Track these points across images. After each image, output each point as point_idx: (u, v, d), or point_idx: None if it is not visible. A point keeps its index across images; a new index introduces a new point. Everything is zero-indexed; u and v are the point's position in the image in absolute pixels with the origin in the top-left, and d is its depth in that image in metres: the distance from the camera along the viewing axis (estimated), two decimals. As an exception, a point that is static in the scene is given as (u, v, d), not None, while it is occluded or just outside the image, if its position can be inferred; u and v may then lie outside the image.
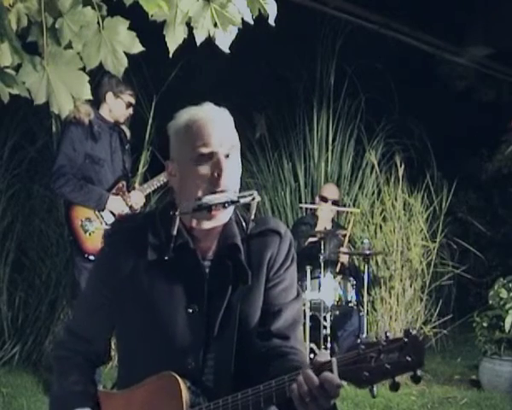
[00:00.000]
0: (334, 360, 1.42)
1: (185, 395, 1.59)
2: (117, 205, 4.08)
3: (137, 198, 4.22)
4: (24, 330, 5.21)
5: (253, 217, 1.68)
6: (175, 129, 1.70)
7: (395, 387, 1.40)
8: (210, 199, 1.61)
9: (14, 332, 5.20)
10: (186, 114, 1.69)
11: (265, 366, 1.62)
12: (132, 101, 4.23)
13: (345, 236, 5.32)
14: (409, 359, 1.37)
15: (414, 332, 1.39)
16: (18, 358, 5.09)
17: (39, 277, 5.37)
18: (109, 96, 4.14)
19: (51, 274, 5.32)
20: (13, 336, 5.17)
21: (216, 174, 1.62)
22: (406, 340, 1.38)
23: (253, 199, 1.64)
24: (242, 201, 1.64)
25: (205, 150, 1.63)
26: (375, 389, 1.41)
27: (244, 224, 1.73)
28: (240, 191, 1.70)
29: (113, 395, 1.77)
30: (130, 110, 4.25)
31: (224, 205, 1.62)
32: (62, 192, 4.04)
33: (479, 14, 6.76)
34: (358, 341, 1.42)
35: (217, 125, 1.65)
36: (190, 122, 1.66)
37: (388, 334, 1.42)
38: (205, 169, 1.63)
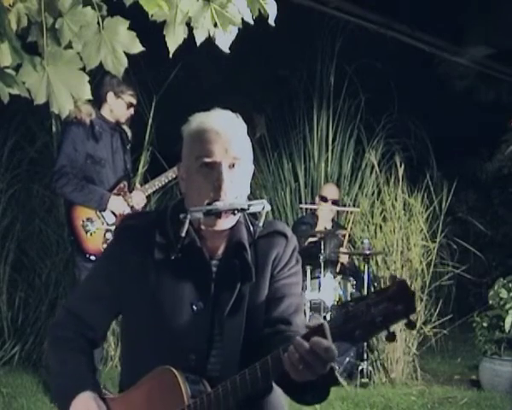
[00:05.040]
0: (325, 324, 1.42)
1: (184, 386, 1.61)
2: (118, 205, 4.08)
3: (139, 199, 4.22)
4: (24, 330, 5.21)
5: (261, 224, 1.72)
6: (185, 135, 1.75)
7: (391, 338, 1.37)
8: (220, 205, 1.64)
9: (14, 332, 5.20)
10: (195, 122, 1.73)
11: (270, 351, 1.63)
12: (133, 101, 4.22)
13: (344, 236, 5.32)
14: (399, 307, 1.35)
15: (401, 279, 1.38)
16: (18, 358, 5.09)
17: (39, 277, 5.37)
18: (110, 95, 4.14)
19: (51, 274, 5.32)
20: (13, 336, 5.17)
21: (217, 184, 1.65)
22: (394, 288, 1.36)
23: (263, 208, 1.67)
24: (252, 209, 1.67)
25: (208, 160, 1.67)
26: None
27: (252, 229, 1.76)
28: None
29: (111, 399, 1.77)
30: (132, 110, 4.25)
31: (233, 212, 1.65)
32: (63, 192, 4.03)
33: (479, 14, 6.76)
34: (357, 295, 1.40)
35: (222, 136, 1.68)
36: (197, 131, 1.70)
37: (376, 285, 1.40)
38: (207, 178, 1.67)
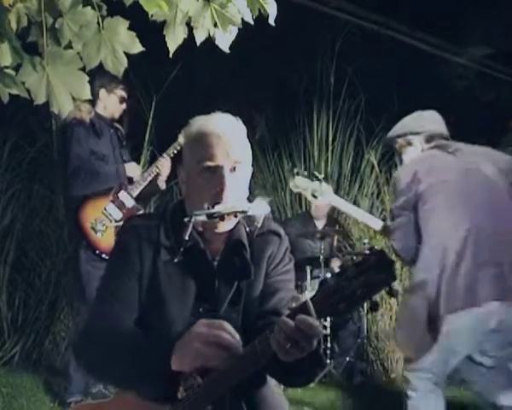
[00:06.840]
0: (308, 301, 1.43)
1: None
2: (135, 170, 4.18)
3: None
4: (24, 330, 5.20)
5: (259, 225, 1.75)
6: (186, 138, 1.76)
7: (374, 307, 1.40)
8: (223, 208, 1.66)
9: (14, 332, 5.19)
10: (196, 125, 1.73)
11: None
12: (125, 95, 4.25)
13: (337, 232, 5.34)
14: (380, 276, 1.36)
15: (379, 249, 1.38)
16: (18, 358, 5.08)
17: (39, 277, 5.36)
18: (102, 92, 4.16)
19: (51, 274, 5.32)
20: (13, 336, 5.16)
21: (218, 188, 1.67)
22: (373, 258, 1.37)
23: (264, 210, 1.69)
24: (253, 211, 1.69)
25: (210, 164, 1.68)
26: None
27: (250, 229, 1.78)
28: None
29: (101, 405, 1.75)
30: (124, 105, 4.26)
31: (235, 215, 1.67)
32: (84, 186, 3.94)
33: (479, 14, 6.76)
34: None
35: (223, 139, 1.69)
36: (199, 135, 1.71)
37: (355, 258, 1.40)
38: (209, 182, 1.68)
